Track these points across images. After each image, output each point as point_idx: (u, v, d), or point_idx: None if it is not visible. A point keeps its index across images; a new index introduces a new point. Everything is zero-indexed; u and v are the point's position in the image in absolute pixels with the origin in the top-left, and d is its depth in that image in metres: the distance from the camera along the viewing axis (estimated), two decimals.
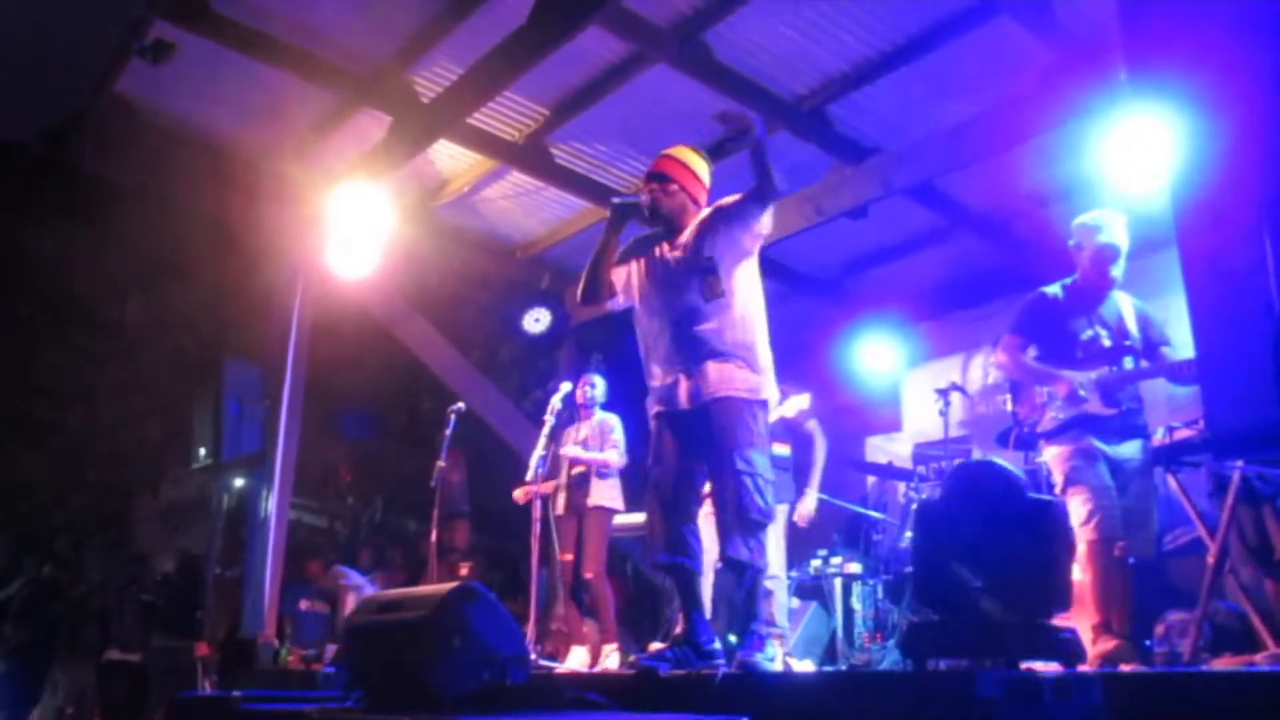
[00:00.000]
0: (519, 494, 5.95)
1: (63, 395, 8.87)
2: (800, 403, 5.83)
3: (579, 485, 5.89)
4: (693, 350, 3.70)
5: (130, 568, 9.40)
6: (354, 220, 6.63)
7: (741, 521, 3.52)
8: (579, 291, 4.00)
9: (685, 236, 3.86)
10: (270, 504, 7.22)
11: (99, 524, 10.31)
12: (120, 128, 6.64)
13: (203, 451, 7.53)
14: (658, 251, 3.91)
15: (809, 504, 6.12)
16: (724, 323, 3.69)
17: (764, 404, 3.71)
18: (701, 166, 3.97)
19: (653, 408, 3.84)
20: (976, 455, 7.01)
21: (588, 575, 5.77)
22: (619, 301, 3.99)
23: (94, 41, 5.88)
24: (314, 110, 6.70)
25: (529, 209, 7.91)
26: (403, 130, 6.48)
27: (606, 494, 5.86)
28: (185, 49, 5.89)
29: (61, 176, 6.96)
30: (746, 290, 3.79)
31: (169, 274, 7.07)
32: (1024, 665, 2.73)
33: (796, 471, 6.09)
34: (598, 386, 6.12)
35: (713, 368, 3.65)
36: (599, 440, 5.94)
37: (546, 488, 6.00)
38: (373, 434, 9.91)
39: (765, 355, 3.76)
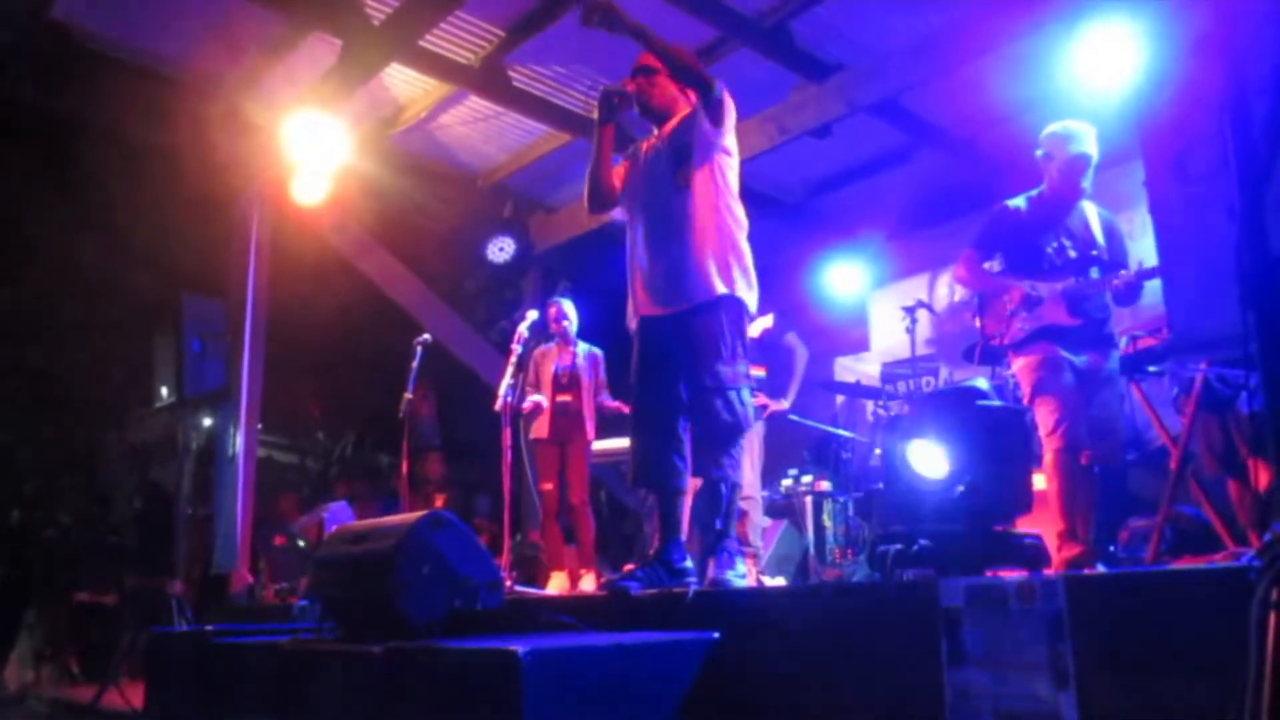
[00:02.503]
0: (527, 405, 5.86)
1: (19, 336, 8.70)
2: (764, 322, 5.81)
3: (567, 414, 5.89)
4: (665, 248, 3.64)
5: (98, 508, 9.35)
6: (310, 150, 6.48)
7: (711, 437, 3.51)
8: (585, 199, 3.88)
9: (669, 127, 3.79)
10: (238, 441, 7.17)
11: (66, 466, 10.22)
12: (61, 57, 6.41)
13: (165, 390, 7.43)
14: (646, 147, 3.85)
15: (780, 406, 6.14)
16: (694, 217, 3.62)
17: (735, 307, 3.62)
18: (687, 56, 3.87)
19: (631, 320, 3.79)
20: (944, 373, 7.07)
21: (575, 500, 5.81)
22: (621, 212, 3.91)
23: None
24: (262, 35, 6.49)
25: (488, 135, 7.77)
26: (354, 54, 6.30)
27: (591, 427, 5.93)
28: None
29: (2, 110, 6.73)
30: (718, 189, 3.68)
31: (121, 208, 6.89)
32: (989, 572, 2.76)
33: (773, 386, 6.09)
34: (571, 317, 6.07)
35: (682, 268, 3.59)
36: (590, 371, 5.97)
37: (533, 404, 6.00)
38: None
39: (739, 257, 3.67)
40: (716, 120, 3.69)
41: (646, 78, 3.79)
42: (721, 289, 3.59)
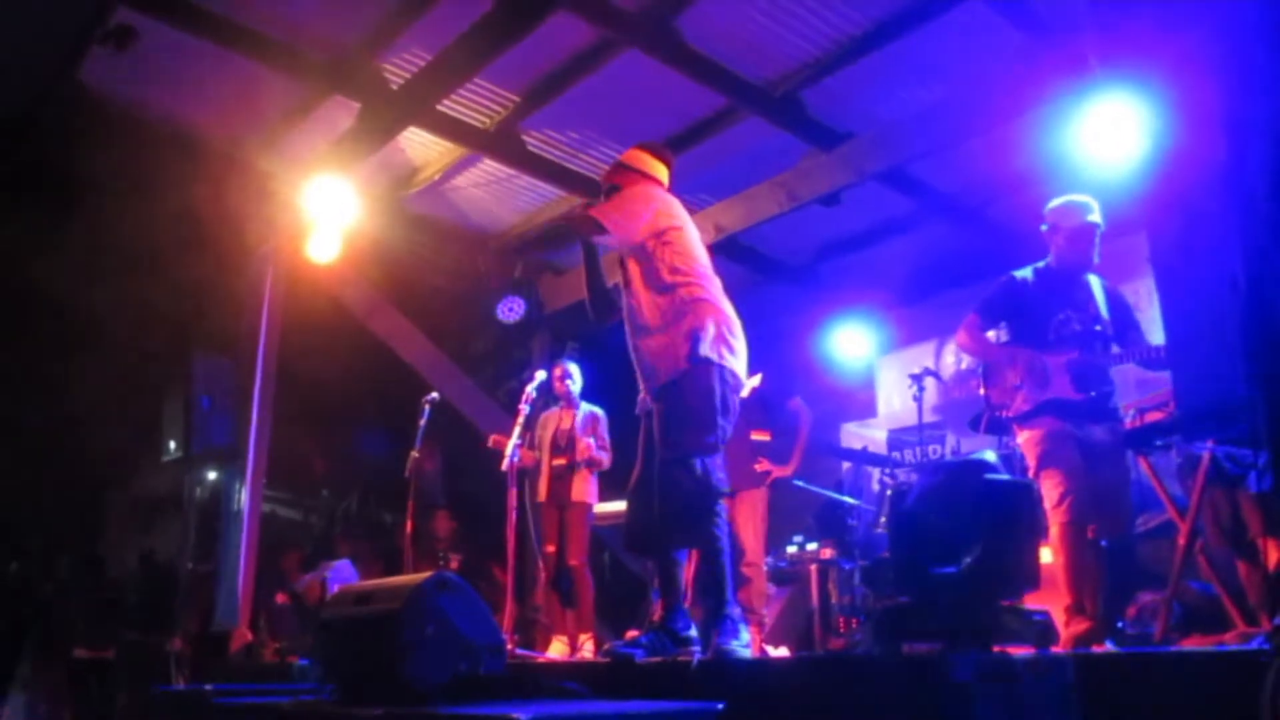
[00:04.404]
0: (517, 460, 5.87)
1: (29, 389, 8.74)
2: (753, 382, 5.83)
3: (562, 477, 5.91)
4: (634, 343, 3.78)
5: (99, 564, 9.30)
6: (325, 210, 6.57)
7: (676, 507, 3.49)
8: (589, 311, 4.05)
9: None
10: (243, 497, 7.16)
11: (69, 520, 10.17)
12: (84, 117, 6.54)
13: (173, 444, 7.45)
14: None
15: (784, 472, 6.13)
16: (643, 308, 3.74)
17: (703, 371, 3.58)
18: (647, 161, 3.99)
19: (641, 405, 3.88)
20: (950, 441, 7.05)
21: (573, 563, 5.80)
22: None
23: (54, 28, 5.78)
24: (282, 98, 6.62)
25: (501, 197, 7.87)
26: (372, 117, 6.41)
27: (589, 489, 5.94)
28: (148, 35, 5.82)
29: (24, 167, 6.84)
30: (659, 270, 3.73)
31: (136, 266, 6.96)
32: (997, 647, 2.74)
33: (777, 450, 6.09)
34: (576, 378, 6.12)
35: (648, 354, 3.69)
36: (586, 432, 5.97)
37: (528, 457, 5.98)
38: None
39: (699, 323, 3.64)
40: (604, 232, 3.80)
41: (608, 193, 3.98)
42: (684, 364, 3.60)
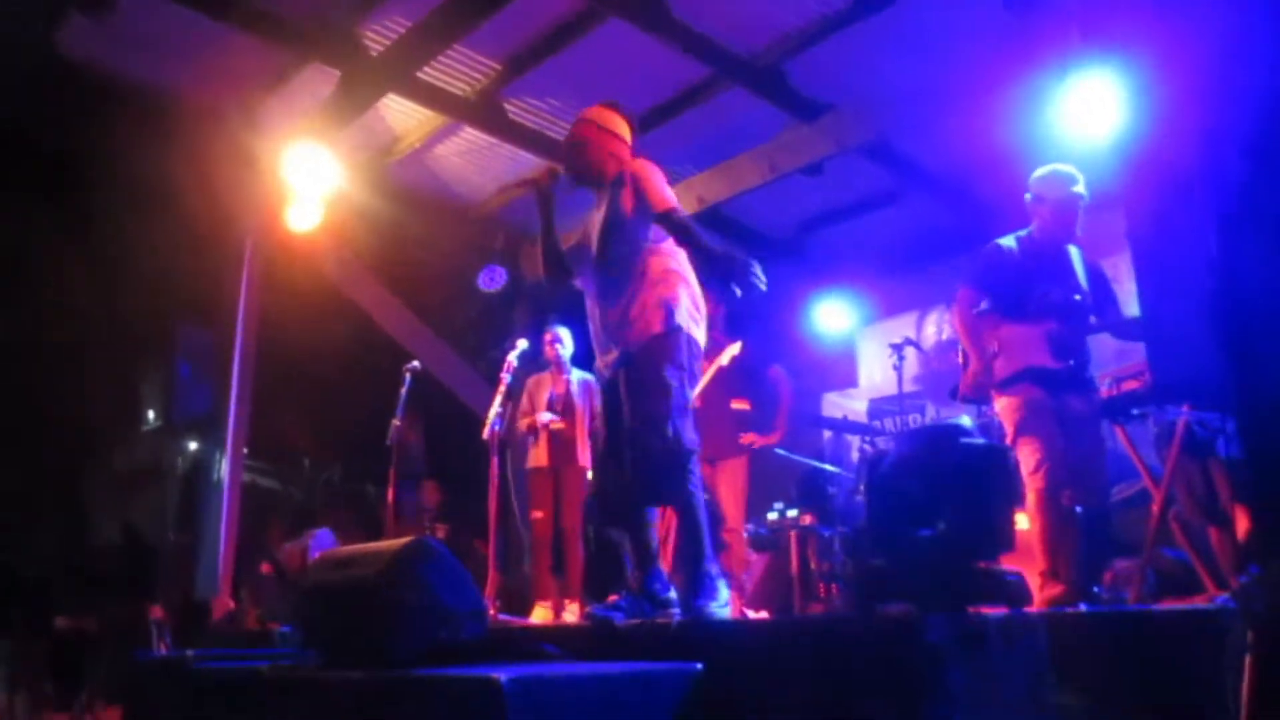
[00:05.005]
0: (547, 420, 6.00)
1: (7, 359, 8.68)
2: (732, 350, 5.86)
3: (559, 440, 5.93)
4: (604, 305, 3.73)
5: (80, 535, 9.28)
6: (305, 179, 6.53)
7: (652, 467, 3.51)
8: (540, 272, 4.01)
9: (603, 194, 3.86)
10: (224, 467, 7.15)
11: (50, 491, 10.14)
12: (61, 86, 6.46)
13: (152, 414, 7.44)
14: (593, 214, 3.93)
15: (770, 440, 6.17)
16: (609, 277, 3.71)
17: (672, 337, 3.61)
18: (614, 120, 3.93)
19: (600, 374, 3.86)
20: (930, 411, 7.11)
21: (566, 525, 5.84)
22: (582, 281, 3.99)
23: None
24: (262, 66, 6.55)
25: (482, 166, 7.83)
26: (352, 85, 6.37)
27: (588, 454, 6.00)
28: (127, 3, 5.74)
29: (2, 138, 6.76)
30: (628, 243, 3.73)
31: (115, 235, 6.92)
32: (971, 609, 2.78)
33: (759, 420, 6.13)
34: (566, 343, 6.13)
35: (617, 320, 3.66)
36: (585, 398, 5.98)
37: (526, 423, 6.01)
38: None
39: (670, 292, 3.67)
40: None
41: (573, 148, 3.93)
42: (657, 328, 3.61)
